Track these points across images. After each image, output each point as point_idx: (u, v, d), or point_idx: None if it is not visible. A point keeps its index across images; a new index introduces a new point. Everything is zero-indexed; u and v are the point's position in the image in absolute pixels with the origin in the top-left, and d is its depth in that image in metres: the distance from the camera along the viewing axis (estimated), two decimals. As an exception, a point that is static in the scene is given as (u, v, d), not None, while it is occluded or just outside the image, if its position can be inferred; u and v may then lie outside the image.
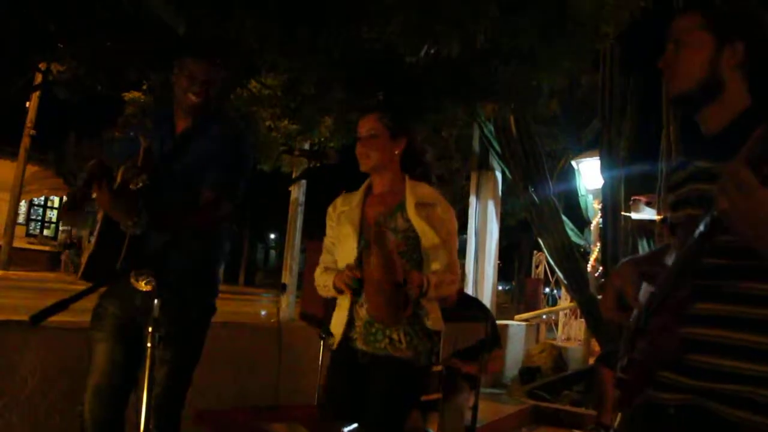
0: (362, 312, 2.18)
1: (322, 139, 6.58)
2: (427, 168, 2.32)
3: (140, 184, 1.91)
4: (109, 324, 2.18)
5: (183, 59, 2.25)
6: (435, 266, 2.14)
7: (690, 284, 1.21)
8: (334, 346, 2.24)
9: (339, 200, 2.36)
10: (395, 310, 2.03)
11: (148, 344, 1.81)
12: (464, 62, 4.62)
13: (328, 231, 2.35)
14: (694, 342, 1.22)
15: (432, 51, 4.47)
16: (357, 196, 2.31)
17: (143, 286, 1.88)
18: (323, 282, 2.27)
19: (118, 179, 1.94)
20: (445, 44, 4.21)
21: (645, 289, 1.33)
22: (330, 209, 2.36)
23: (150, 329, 1.81)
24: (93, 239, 2.11)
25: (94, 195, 2.00)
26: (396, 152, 2.26)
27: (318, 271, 2.32)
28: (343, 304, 2.23)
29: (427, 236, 2.15)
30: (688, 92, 1.36)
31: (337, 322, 2.24)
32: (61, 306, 1.86)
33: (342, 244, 2.25)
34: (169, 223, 2.04)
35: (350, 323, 2.21)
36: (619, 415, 1.42)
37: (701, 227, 1.13)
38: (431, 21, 4.08)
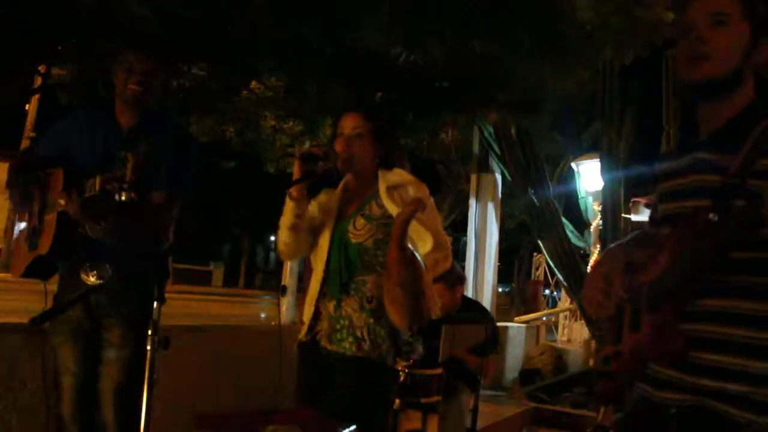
0: (330, 307, 2.13)
1: (325, 141, 6.59)
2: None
3: (126, 199, 1.91)
4: (67, 326, 2.21)
5: (120, 51, 2.24)
6: (423, 248, 2.01)
7: (705, 280, 1.15)
8: (302, 338, 2.20)
9: (322, 196, 2.32)
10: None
11: (148, 347, 1.81)
12: (464, 67, 4.59)
13: (311, 209, 2.26)
14: (698, 339, 1.17)
15: (411, 58, 4.43)
16: (336, 194, 2.26)
17: (93, 281, 1.90)
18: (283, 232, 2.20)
19: (97, 187, 1.96)
20: (427, 51, 4.17)
21: (634, 280, 1.24)
22: (321, 197, 2.31)
23: (150, 332, 1.82)
24: (40, 239, 2.14)
25: (62, 202, 2.05)
26: (377, 156, 2.19)
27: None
28: (311, 294, 2.20)
29: None
30: (719, 79, 1.26)
31: (307, 313, 2.21)
32: (60, 309, 1.87)
33: (317, 235, 2.21)
34: (132, 226, 2.10)
35: (316, 316, 2.17)
36: (610, 411, 1.36)
37: (727, 221, 1.08)
38: (409, 28, 4.01)
